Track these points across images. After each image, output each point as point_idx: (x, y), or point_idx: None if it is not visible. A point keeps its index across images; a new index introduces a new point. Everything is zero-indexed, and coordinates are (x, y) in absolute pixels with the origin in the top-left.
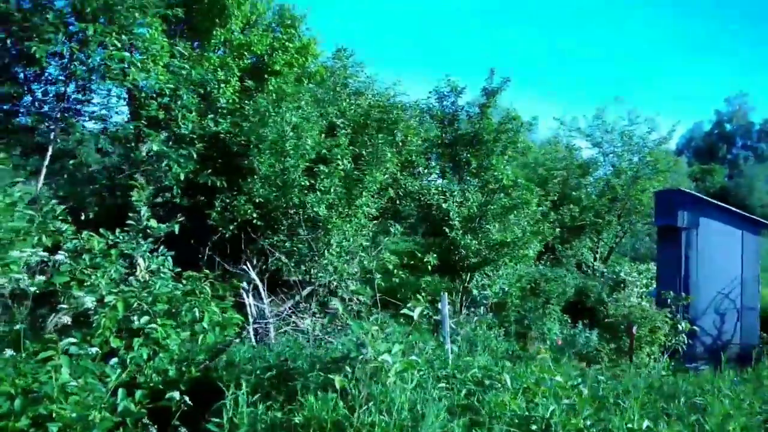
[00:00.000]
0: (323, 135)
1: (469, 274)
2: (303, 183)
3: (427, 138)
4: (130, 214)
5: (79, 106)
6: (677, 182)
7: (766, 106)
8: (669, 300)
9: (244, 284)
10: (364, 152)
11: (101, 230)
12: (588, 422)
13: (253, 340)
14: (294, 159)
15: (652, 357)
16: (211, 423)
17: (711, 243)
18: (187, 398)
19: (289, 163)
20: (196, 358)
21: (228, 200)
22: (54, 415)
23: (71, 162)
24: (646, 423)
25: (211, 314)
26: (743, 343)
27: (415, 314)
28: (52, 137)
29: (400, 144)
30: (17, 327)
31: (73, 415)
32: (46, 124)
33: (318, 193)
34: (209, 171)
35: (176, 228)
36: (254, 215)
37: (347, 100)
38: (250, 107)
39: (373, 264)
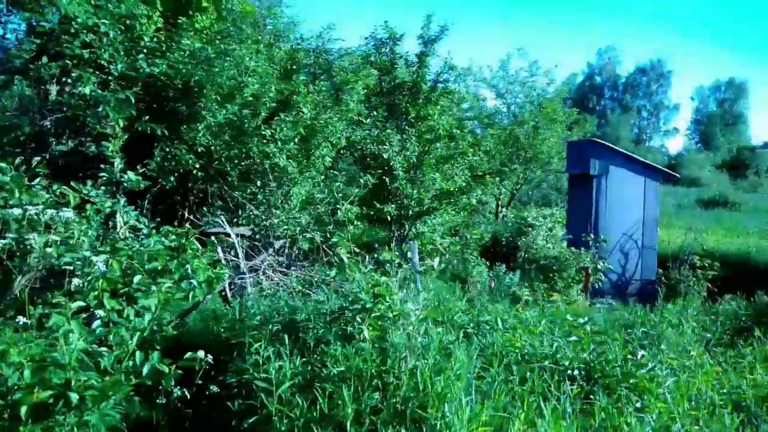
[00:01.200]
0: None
1: (409, 224)
2: (264, 133)
3: (366, 86)
4: (103, 166)
5: None
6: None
7: (632, 60)
8: (580, 242)
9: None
10: (321, 99)
11: (72, 183)
12: (592, 355)
13: (229, 295)
14: (257, 108)
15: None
16: (258, 379)
17: (618, 189)
18: (210, 357)
19: (246, 112)
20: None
21: (168, 149)
22: (73, 383)
23: None
24: (642, 353)
25: (204, 270)
26: (643, 279)
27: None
28: None
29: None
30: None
31: (94, 382)
32: None
33: (279, 142)
34: (146, 118)
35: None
36: (196, 165)
37: (276, 43)
38: (192, 47)
39: (346, 215)
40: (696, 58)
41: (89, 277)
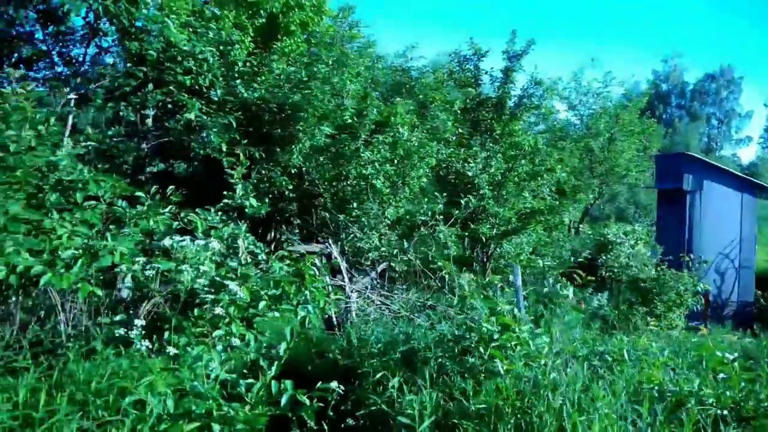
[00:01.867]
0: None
1: (495, 243)
2: (364, 155)
3: (451, 102)
4: (226, 192)
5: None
6: None
7: (700, 67)
8: (675, 261)
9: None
10: (418, 120)
11: (198, 210)
12: (742, 394)
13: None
14: (357, 130)
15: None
16: (402, 415)
17: (713, 205)
18: (341, 387)
19: (345, 135)
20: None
21: (264, 172)
22: (214, 413)
23: (94, 132)
24: None
25: (321, 296)
26: (740, 300)
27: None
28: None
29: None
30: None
31: (237, 413)
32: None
33: (376, 164)
34: (245, 141)
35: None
36: (289, 187)
37: (372, 64)
38: (287, 71)
39: (448, 237)
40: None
41: (221, 304)
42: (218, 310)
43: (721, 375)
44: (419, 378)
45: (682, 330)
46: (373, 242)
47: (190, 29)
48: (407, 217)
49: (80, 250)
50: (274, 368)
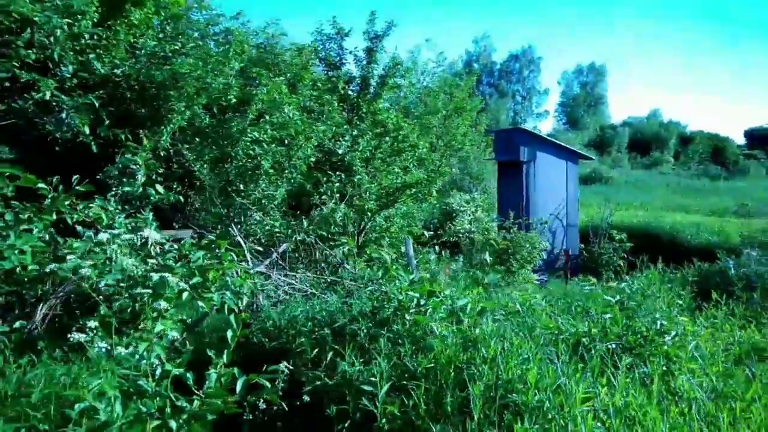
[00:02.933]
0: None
1: (368, 218)
2: (251, 135)
3: (316, 81)
4: (126, 179)
5: None
6: None
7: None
8: (521, 224)
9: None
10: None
11: (97, 200)
12: (623, 329)
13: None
14: (245, 110)
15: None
16: (365, 384)
17: (544, 173)
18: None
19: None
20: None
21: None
22: (168, 410)
23: None
24: (661, 322)
25: (244, 281)
26: (570, 254)
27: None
28: None
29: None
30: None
31: (193, 406)
32: None
33: (264, 144)
34: (107, 122)
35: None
36: (158, 171)
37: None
38: (148, 46)
39: (345, 214)
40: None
41: (146, 298)
42: (163, 304)
43: (608, 315)
44: (350, 350)
45: (534, 282)
46: (270, 224)
47: None
48: (300, 196)
49: None
50: (225, 357)
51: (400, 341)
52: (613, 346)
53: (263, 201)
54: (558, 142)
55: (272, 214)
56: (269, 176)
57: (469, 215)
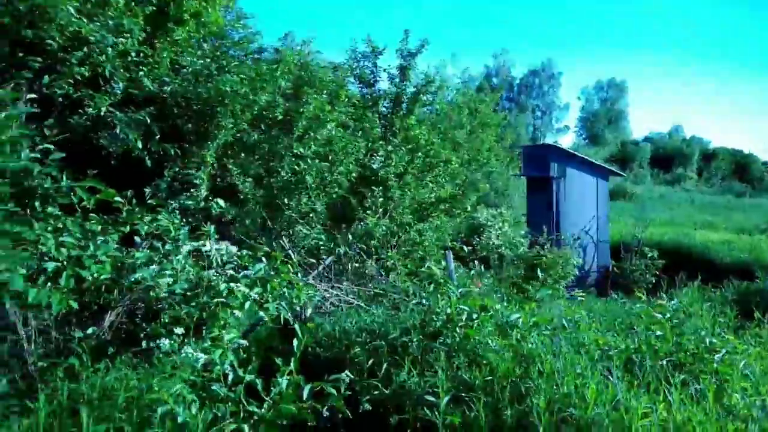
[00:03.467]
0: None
1: (401, 232)
2: (297, 150)
3: (351, 98)
4: (192, 192)
5: None
6: None
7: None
8: (555, 240)
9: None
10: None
11: (163, 211)
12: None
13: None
14: (292, 126)
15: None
16: (427, 394)
17: (574, 189)
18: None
19: (278, 131)
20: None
21: (177, 169)
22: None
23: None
24: (711, 340)
25: (302, 291)
26: (599, 270)
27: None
28: None
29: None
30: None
31: (262, 412)
32: None
33: (308, 159)
34: (157, 137)
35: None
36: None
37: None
38: (194, 64)
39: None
40: (581, 61)
41: (213, 307)
42: (237, 313)
43: (658, 332)
44: (407, 361)
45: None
46: (316, 237)
47: (82, 14)
48: (340, 210)
49: (64, 262)
50: (292, 364)
51: (453, 354)
52: (664, 362)
53: (311, 215)
54: (588, 158)
55: (316, 228)
56: (312, 190)
57: (497, 230)
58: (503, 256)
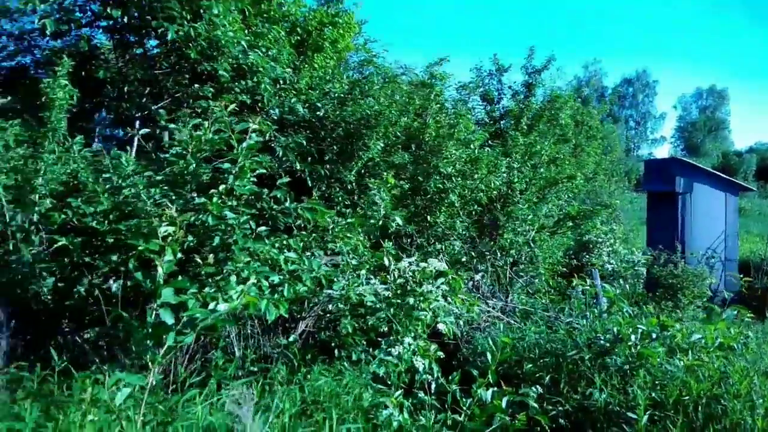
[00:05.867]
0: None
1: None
2: (443, 170)
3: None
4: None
5: None
6: None
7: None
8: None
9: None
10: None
11: (361, 232)
12: None
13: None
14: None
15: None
16: (629, 410)
17: (701, 205)
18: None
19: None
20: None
21: (324, 188)
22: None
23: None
24: None
25: (471, 306)
26: (728, 290)
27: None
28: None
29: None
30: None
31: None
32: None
33: (453, 179)
34: (309, 159)
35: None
36: (346, 203)
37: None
38: (341, 90)
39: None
40: (677, 69)
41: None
42: (441, 327)
43: None
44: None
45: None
46: (460, 251)
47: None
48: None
49: (286, 274)
50: (489, 376)
51: (628, 373)
52: None
53: (461, 230)
54: (717, 173)
55: (457, 243)
56: (453, 207)
57: (608, 247)
58: (618, 273)
